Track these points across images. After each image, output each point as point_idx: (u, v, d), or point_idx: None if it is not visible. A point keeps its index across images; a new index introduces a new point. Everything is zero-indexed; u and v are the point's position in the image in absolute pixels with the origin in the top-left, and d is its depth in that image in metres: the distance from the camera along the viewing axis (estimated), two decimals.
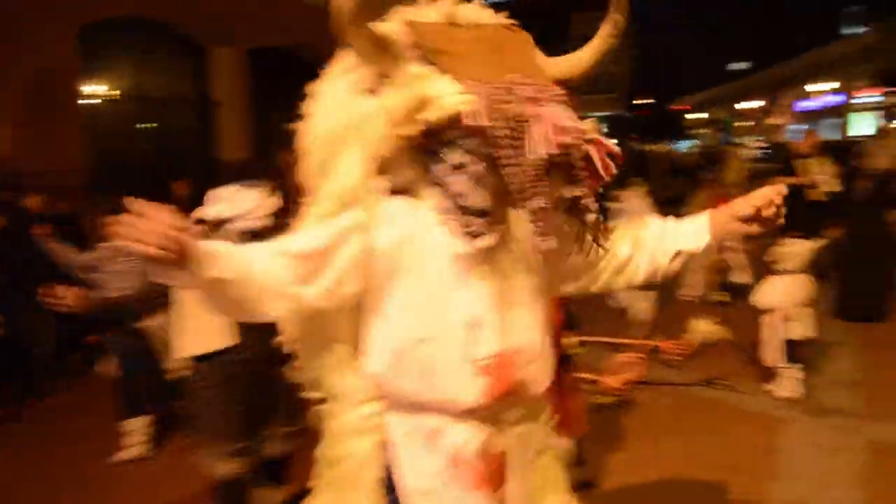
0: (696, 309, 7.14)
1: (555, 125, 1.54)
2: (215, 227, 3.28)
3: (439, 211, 1.72)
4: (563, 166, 1.56)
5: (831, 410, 5.26)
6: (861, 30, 49.47)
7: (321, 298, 1.73)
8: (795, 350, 5.56)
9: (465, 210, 1.67)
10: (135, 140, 14.18)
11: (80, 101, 12.48)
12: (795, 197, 8.03)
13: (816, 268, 6.74)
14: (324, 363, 1.92)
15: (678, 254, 1.97)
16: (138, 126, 14.19)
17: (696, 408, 5.37)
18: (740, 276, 7.65)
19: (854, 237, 7.75)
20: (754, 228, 1.88)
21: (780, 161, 8.66)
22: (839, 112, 44.38)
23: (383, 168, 1.76)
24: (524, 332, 1.81)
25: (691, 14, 74.60)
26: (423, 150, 1.72)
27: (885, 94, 37.50)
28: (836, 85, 46.46)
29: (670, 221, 2.03)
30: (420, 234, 1.74)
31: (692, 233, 1.96)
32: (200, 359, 3.37)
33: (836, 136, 30.51)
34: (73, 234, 9.27)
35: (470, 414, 1.79)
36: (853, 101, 44.31)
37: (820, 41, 52.71)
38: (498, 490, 1.85)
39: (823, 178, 8.35)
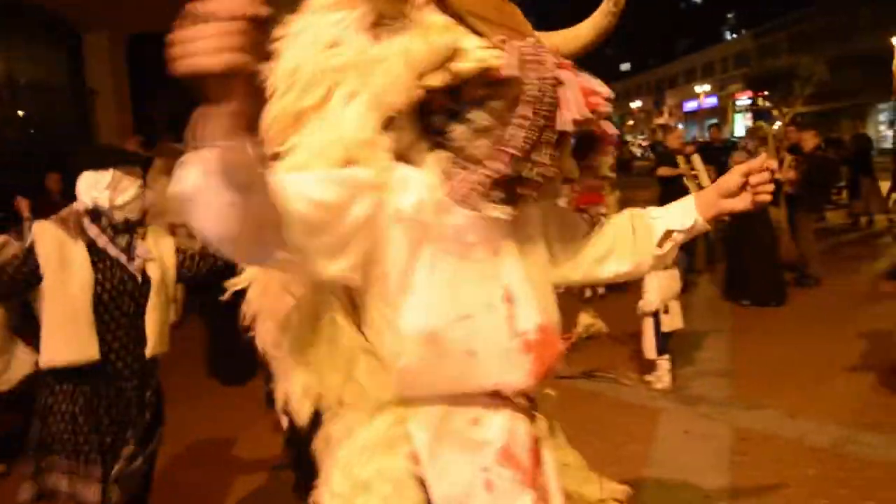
0: (575, 302, 7.33)
1: (585, 88, 1.47)
2: (93, 216, 3.06)
3: (451, 178, 1.50)
4: (581, 135, 1.47)
5: (701, 399, 5.50)
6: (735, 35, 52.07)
7: (323, 260, 1.41)
8: (667, 341, 5.81)
9: (487, 177, 1.47)
10: (4, 129, 13.39)
11: None
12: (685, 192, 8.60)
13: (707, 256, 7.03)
14: (324, 361, 1.62)
15: (668, 234, 1.84)
16: (8, 114, 13.39)
17: (577, 400, 5.49)
18: None
19: (739, 227, 8.19)
20: (743, 203, 1.79)
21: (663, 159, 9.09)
22: (720, 112, 46.61)
23: (387, 124, 1.52)
24: (551, 307, 1.67)
25: (578, 11, 76.60)
26: (438, 110, 1.51)
27: (753, 97, 39.69)
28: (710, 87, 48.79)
29: (652, 207, 1.93)
30: (436, 202, 1.51)
31: (678, 213, 1.85)
32: (58, 371, 3.01)
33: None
34: None
35: (512, 398, 1.63)
36: (736, 102, 46.71)
37: (703, 45, 55.22)
38: (538, 481, 1.67)
39: (697, 172, 8.84)
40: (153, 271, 3.14)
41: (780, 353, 6.41)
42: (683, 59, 57.88)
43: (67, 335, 2.95)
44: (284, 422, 4.35)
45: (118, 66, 14.64)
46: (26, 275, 2.94)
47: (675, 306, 5.87)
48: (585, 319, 6.79)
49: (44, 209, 7.82)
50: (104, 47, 14.41)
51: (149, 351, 3.13)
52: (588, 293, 8.50)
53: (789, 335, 6.98)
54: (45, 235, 2.98)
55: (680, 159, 8.86)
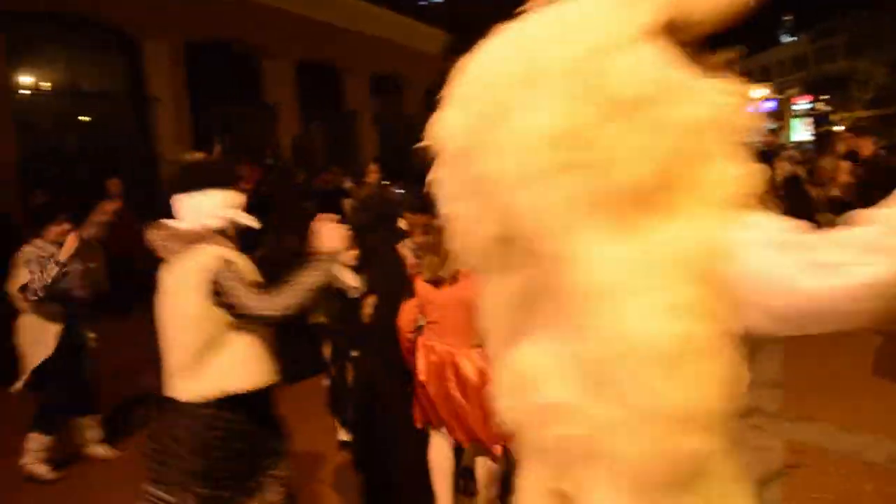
0: None
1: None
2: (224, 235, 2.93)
3: None
4: None
5: (754, 410, 5.43)
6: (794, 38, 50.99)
7: None
8: None
9: None
10: (67, 135, 13.84)
11: (10, 95, 12.14)
12: None
13: None
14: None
15: None
16: (70, 121, 13.84)
17: None
18: None
19: None
20: None
21: None
22: (777, 117, 45.74)
23: None
24: None
25: None
26: None
27: (812, 101, 38.81)
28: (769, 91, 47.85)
29: None
30: None
31: None
32: (226, 399, 2.81)
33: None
34: (4, 231, 9.06)
35: None
36: (794, 107, 45.83)
37: (759, 48, 54.28)
38: None
39: None
40: None
41: (834, 365, 6.29)
42: (740, 62, 56.99)
43: (248, 359, 2.84)
44: (343, 435, 4.44)
45: (177, 73, 15.02)
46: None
47: None
48: None
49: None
50: (164, 55, 14.80)
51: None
52: None
53: (844, 347, 6.84)
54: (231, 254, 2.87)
55: None
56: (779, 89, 48.62)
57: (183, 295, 2.78)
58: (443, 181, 1.40)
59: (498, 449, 3.71)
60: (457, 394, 3.67)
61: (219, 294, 2.72)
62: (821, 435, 4.92)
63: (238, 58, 17.80)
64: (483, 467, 3.85)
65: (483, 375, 3.60)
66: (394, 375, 3.86)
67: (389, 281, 3.84)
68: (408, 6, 24.89)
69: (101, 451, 5.39)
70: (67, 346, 4.99)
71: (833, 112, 35.01)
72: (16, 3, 11.89)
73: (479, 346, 3.66)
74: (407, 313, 3.80)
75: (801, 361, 6.48)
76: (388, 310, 3.84)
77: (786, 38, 57.79)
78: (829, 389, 5.73)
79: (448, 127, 1.35)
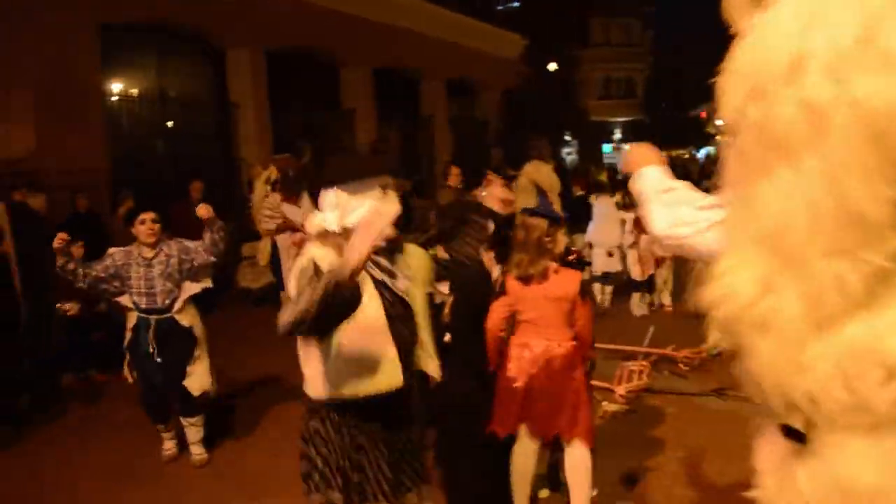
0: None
1: None
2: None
3: None
4: None
5: None
6: None
7: None
8: None
9: None
10: (154, 140, 14.33)
11: (102, 101, 12.62)
12: None
13: None
14: None
15: None
16: (158, 126, 14.32)
17: (704, 418, 5.36)
18: None
19: None
20: None
21: None
22: None
23: None
24: None
25: (711, 17, 74.22)
26: None
27: None
28: None
29: None
30: None
31: None
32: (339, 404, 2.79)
33: None
34: (96, 231, 9.43)
35: None
36: None
37: None
38: None
39: None
40: (414, 291, 2.92)
41: None
42: None
43: (365, 364, 2.72)
44: None
45: (259, 80, 15.38)
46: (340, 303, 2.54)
47: None
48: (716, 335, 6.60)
49: (186, 215, 8.36)
50: (245, 63, 15.19)
51: (434, 373, 3.10)
52: None
53: None
54: (328, 258, 2.69)
55: None
56: None
57: None
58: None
59: (590, 442, 3.77)
60: (551, 386, 3.73)
61: None
62: None
63: (317, 65, 18.13)
64: (574, 462, 3.83)
65: (576, 368, 3.75)
66: (471, 376, 3.87)
67: (471, 284, 3.84)
68: (483, 11, 24.92)
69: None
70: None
71: None
72: (109, 13, 12.39)
73: (575, 338, 3.79)
74: (497, 312, 3.82)
75: None
76: (469, 312, 3.86)
77: None
78: None
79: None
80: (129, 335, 5.03)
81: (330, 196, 2.76)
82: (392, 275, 2.81)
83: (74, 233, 9.00)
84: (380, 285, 2.76)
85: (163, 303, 4.93)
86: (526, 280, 3.76)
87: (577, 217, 11.66)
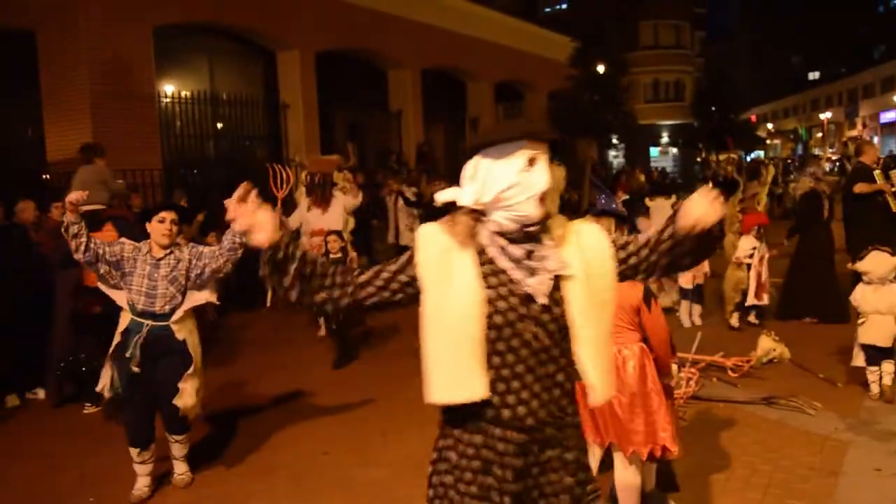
0: (753, 327, 7.06)
1: None
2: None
3: None
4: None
5: (893, 435, 5.14)
6: None
7: None
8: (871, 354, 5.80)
9: None
10: (205, 141, 14.59)
11: (156, 102, 12.89)
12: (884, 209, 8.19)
13: None
14: None
15: None
16: (209, 127, 14.57)
17: (753, 427, 5.29)
18: (760, 298, 8.14)
19: None
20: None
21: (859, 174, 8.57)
22: None
23: None
24: None
25: (759, 22, 73.00)
26: None
27: None
28: None
29: None
30: None
31: None
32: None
33: None
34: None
35: None
36: None
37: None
38: None
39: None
40: (572, 289, 2.23)
41: None
42: (880, 66, 53.81)
43: (448, 366, 2.24)
44: None
45: (308, 81, 15.58)
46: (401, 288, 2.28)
47: (875, 319, 5.73)
48: (766, 343, 6.52)
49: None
50: (295, 64, 15.39)
51: (593, 397, 2.28)
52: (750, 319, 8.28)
53: None
54: (430, 240, 2.28)
55: (877, 175, 8.34)
56: None
57: None
58: None
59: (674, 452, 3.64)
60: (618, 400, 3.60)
61: None
62: None
63: (365, 66, 18.29)
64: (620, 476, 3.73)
65: (647, 374, 3.63)
66: None
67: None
68: (531, 13, 24.87)
69: None
70: None
71: None
72: (162, 15, 12.66)
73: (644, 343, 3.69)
74: None
75: None
76: None
77: None
78: None
79: None
80: (116, 339, 4.55)
81: (469, 167, 2.30)
82: (527, 267, 2.23)
83: (129, 232, 9.29)
84: (495, 277, 2.23)
85: (161, 308, 4.46)
86: None
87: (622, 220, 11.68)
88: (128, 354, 4.42)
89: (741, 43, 70.82)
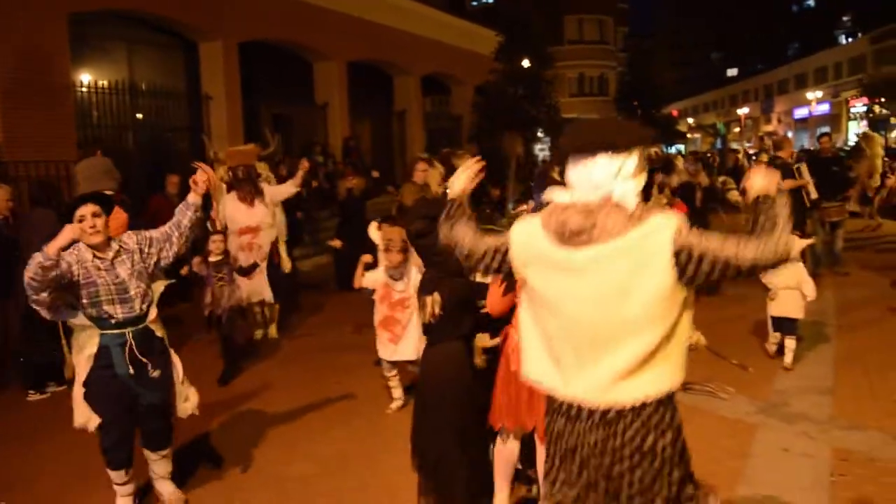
0: None
1: None
2: None
3: None
4: None
5: (802, 416, 5.38)
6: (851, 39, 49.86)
7: None
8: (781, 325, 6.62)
9: None
10: (125, 132, 14.19)
11: (72, 92, 12.48)
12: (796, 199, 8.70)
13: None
14: None
15: None
16: (128, 118, 14.18)
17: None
18: None
19: None
20: None
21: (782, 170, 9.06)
22: (832, 120, 44.77)
23: None
24: None
25: (680, 18, 74.85)
26: None
27: (869, 104, 37.91)
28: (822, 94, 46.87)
29: None
30: None
31: None
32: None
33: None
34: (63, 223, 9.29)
35: None
36: (851, 109, 44.82)
37: (815, 49, 53.14)
38: None
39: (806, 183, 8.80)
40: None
41: (887, 373, 6.20)
42: (794, 63, 55.84)
43: (542, 355, 2.47)
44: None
45: (231, 72, 15.32)
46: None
47: (784, 294, 6.50)
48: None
49: (165, 209, 8.31)
50: (218, 54, 15.11)
51: (654, 385, 2.36)
52: None
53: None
54: (520, 231, 2.49)
55: (803, 169, 8.83)
56: (833, 92, 47.62)
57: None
58: None
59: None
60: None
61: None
62: (869, 443, 4.84)
63: (290, 58, 18.08)
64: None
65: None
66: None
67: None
68: (459, 6, 24.94)
69: None
70: None
71: (892, 115, 34.14)
72: (79, 2, 12.27)
73: None
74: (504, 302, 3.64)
75: (850, 369, 6.39)
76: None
77: (844, 40, 56.55)
78: (879, 398, 5.64)
79: None
80: (83, 363, 4.05)
81: (576, 169, 2.37)
82: None
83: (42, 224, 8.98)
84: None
85: (140, 308, 4.00)
86: None
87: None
88: (118, 371, 3.96)
89: (663, 39, 72.47)
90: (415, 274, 5.30)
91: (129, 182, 11.26)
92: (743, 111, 59.71)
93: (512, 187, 14.17)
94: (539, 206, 3.69)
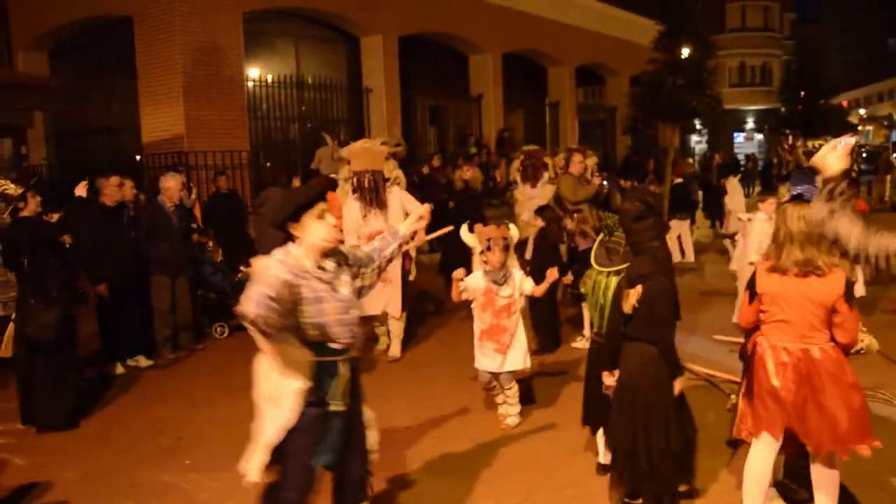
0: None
1: None
2: None
3: None
4: None
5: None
6: None
7: None
8: None
9: None
10: (292, 124, 14.93)
11: (244, 85, 13.26)
12: None
13: None
14: None
15: None
16: (294, 110, 14.89)
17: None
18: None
19: None
20: None
21: None
22: None
23: None
24: None
25: (852, 2, 70.09)
26: None
27: None
28: None
29: None
30: None
31: None
32: None
33: None
34: (234, 209, 9.96)
35: None
36: None
37: None
38: None
39: None
40: None
41: None
42: None
43: None
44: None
45: (390, 65, 15.78)
46: None
47: None
48: (862, 338, 6.38)
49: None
50: (379, 48, 15.60)
51: None
52: None
53: None
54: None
55: None
56: None
57: None
58: None
59: (864, 449, 3.45)
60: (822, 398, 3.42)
61: None
62: None
63: (446, 51, 18.39)
64: (824, 475, 3.59)
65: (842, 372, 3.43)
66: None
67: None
68: None
69: None
70: None
71: None
72: (251, 2, 13.01)
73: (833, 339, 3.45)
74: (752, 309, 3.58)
75: None
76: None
77: None
78: None
79: None
80: (288, 409, 2.95)
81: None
82: None
83: (215, 210, 9.66)
84: None
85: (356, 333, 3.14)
86: (783, 272, 3.45)
87: (676, 205, 11.93)
88: (333, 408, 3.05)
89: (833, 24, 68.16)
90: (519, 276, 5.07)
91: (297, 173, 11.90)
92: None
93: (669, 179, 13.83)
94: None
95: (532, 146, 10.79)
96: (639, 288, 3.60)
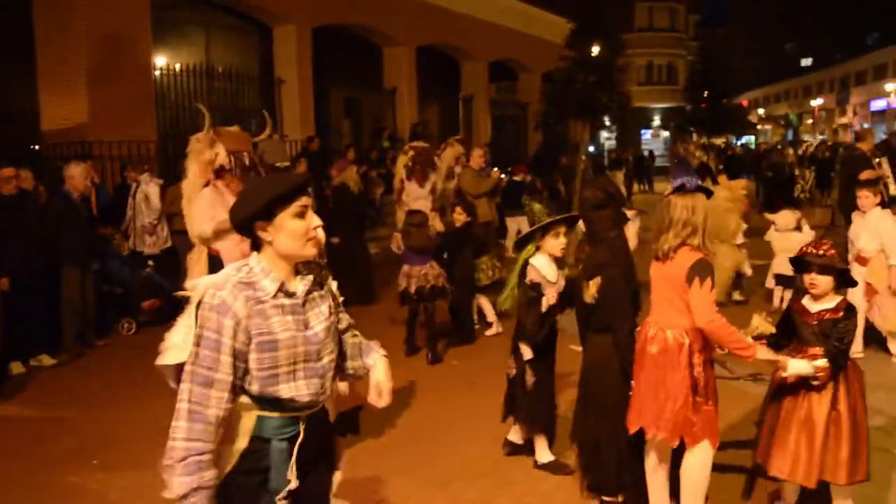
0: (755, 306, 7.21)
1: None
2: None
3: None
4: None
5: (878, 412, 5.29)
6: None
7: None
8: None
9: None
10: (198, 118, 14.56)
11: (151, 74, 12.86)
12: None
13: None
14: None
15: None
16: (203, 100, 14.54)
17: (739, 401, 5.43)
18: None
19: None
20: None
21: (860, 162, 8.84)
22: None
23: None
24: None
25: (754, 6, 72.99)
26: None
27: None
28: None
29: None
30: None
31: None
32: None
33: None
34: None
35: None
36: None
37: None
38: None
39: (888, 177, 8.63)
40: None
41: None
42: (873, 53, 53.91)
43: None
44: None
45: (304, 56, 15.59)
46: None
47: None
48: (756, 321, 6.65)
49: None
50: (292, 39, 15.38)
51: None
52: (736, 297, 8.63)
53: None
54: None
55: (884, 161, 8.65)
56: None
57: None
58: None
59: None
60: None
61: None
62: None
63: (361, 43, 18.28)
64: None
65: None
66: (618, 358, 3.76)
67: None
68: None
69: None
70: None
71: None
72: None
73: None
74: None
75: None
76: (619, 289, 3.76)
77: None
78: None
79: None
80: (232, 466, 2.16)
81: None
82: None
83: (121, 202, 9.34)
84: None
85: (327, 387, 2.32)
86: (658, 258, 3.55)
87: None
88: (274, 486, 2.18)
89: (736, 28, 70.74)
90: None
91: None
92: (817, 102, 58.00)
93: (580, 175, 14.13)
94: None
95: (428, 143, 10.25)
96: (598, 279, 3.67)
